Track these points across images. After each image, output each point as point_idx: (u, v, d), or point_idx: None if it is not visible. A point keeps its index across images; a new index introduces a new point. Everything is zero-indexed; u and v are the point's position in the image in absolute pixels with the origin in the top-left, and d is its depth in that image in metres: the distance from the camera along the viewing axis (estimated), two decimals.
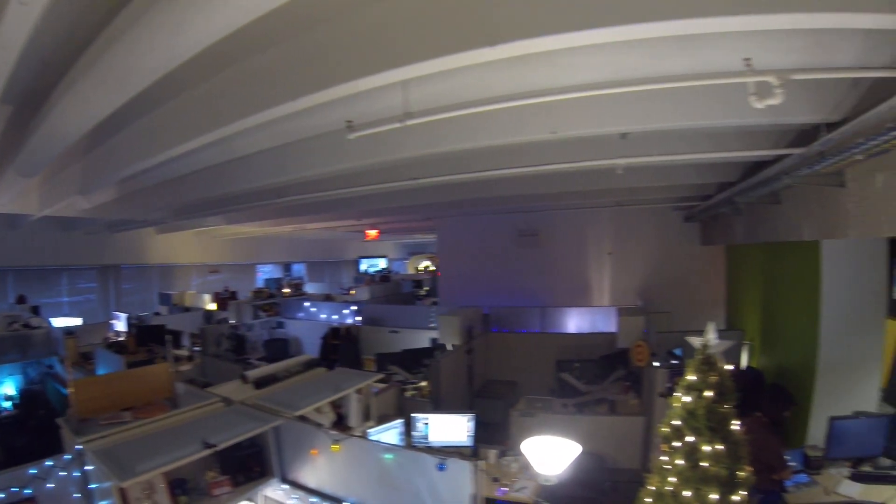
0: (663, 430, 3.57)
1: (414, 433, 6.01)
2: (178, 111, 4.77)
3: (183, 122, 4.78)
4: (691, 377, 3.45)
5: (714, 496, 3.26)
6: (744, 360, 8.96)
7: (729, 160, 6.50)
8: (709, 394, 3.35)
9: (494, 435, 6.74)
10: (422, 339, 10.02)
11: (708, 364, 3.42)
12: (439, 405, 7.08)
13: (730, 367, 3.54)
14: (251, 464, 4.20)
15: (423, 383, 7.85)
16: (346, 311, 12.69)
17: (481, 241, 12.58)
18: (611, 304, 10.31)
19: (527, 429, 5.84)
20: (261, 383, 5.08)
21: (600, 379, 7.93)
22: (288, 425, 4.24)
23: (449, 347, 8.71)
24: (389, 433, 5.68)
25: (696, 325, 9.47)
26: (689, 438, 3.37)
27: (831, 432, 5.33)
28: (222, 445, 3.68)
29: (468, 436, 5.93)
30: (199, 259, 16.90)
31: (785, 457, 5.05)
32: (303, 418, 4.43)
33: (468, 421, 5.93)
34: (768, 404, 5.35)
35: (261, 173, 6.66)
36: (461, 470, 3.37)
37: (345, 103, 4.11)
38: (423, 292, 17.43)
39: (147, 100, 4.36)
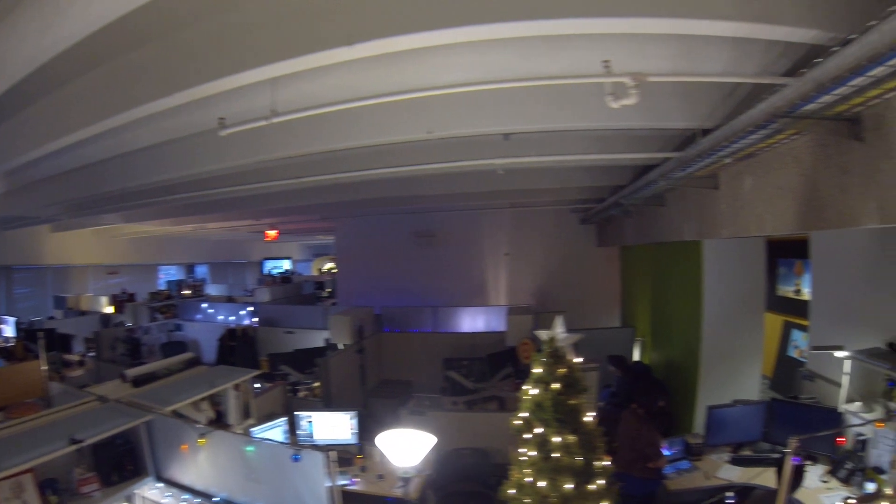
0: (515, 422, 3.64)
1: (299, 431, 5.96)
2: (60, 104, 4.59)
3: (63, 115, 4.59)
4: (538, 370, 3.51)
5: (569, 486, 3.34)
6: (636, 355, 9.42)
7: (619, 164, 6.74)
8: (556, 386, 3.43)
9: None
10: (317, 340, 9.95)
11: (555, 357, 3.50)
12: (331, 404, 7.04)
13: (579, 359, 3.65)
14: (125, 462, 4.12)
15: (317, 383, 7.78)
16: (242, 313, 12.58)
17: (379, 242, 12.61)
18: (507, 304, 10.47)
19: (417, 427, 5.87)
20: (140, 381, 5.00)
21: (489, 377, 8.06)
22: (162, 422, 4.18)
23: (341, 347, 8.73)
24: (273, 431, 5.63)
25: (593, 324, 10.05)
26: (539, 430, 3.44)
27: (709, 420, 5.67)
28: (89, 441, 3.62)
29: (352, 433, 5.91)
30: (97, 259, 15.85)
31: (660, 446, 5.30)
32: (179, 415, 4.40)
33: (351, 419, 5.91)
34: (643, 396, 5.60)
35: (147, 170, 6.45)
36: (314, 460, 3.41)
37: (223, 101, 4.10)
38: (325, 293, 17.33)
39: (25, 92, 4.22)
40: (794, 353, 8.72)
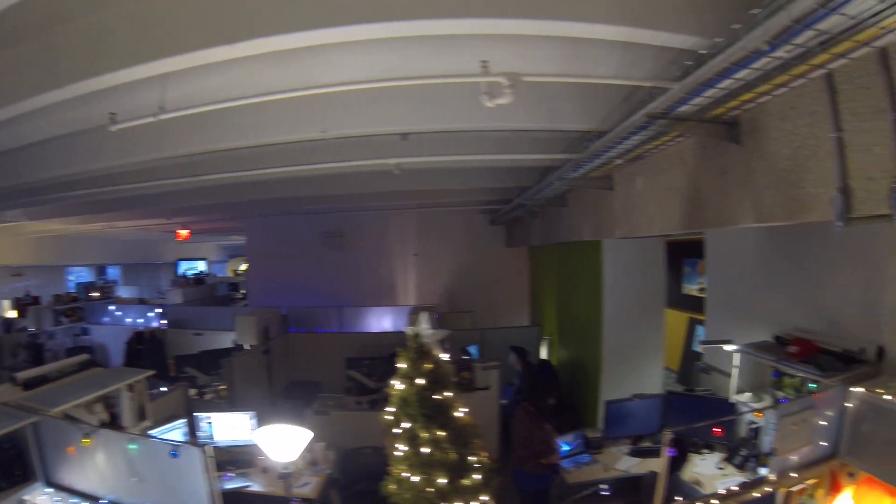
0: (386, 417, 3.65)
1: (198, 433, 5.78)
2: None
3: None
4: (404, 366, 3.52)
5: (442, 480, 3.36)
6: (543, 353, 9.62)
7: (523, 165, 6.84)
8: (421, 382, 3.44)
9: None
10: (226, 341, 9.68)
11: (420, 353, 3.51)
12: (236, 406, 6.82)
13: (445, 355, 3.68)
14: (14, 468, 4.01)
15: (223, 385, 7.59)
16: (151, 315, 12.16)
17: (289, 243, 12.40)
18: (416, 304, 10.49)
19: (321, 427, 5.81)
20: (31, 384, 4.78)
21: (390, 375, 7.99)
22: (49, 424, 4.05)
23: (247, 348, 8.56)
24: (172, 433, 5.42)
25: (503, 323, 10.21)
26: (406, 425, 3.46)
27: (608, 414, 5.85)
28: None
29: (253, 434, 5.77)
30: None
31: (553, 442, 5.37)
32: (69, 417, 4.27)
33: (251, 419, 5.76)
34: (533, 393, 5.70)
35: (42, 165, 6.10)
36: (192, 456, 3.39)
37: (115, 96, 3.94)
38: (240, 295, 16.95)
39: None
40: (698, 349, 9.13)
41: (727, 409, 5.25)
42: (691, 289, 9.82)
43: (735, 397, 5.25)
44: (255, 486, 5.23)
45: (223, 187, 7.74)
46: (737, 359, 5.24)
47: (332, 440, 5.87)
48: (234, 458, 5.54)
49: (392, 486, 3.64)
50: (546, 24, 2.95)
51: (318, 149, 5.74)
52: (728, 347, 5.29)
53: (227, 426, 5.79)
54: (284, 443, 3.91)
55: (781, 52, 2.49)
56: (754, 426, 4.97)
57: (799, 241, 4.95)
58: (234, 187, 7.89)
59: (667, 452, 3.22)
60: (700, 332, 8.85)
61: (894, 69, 2.37)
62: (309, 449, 5.20)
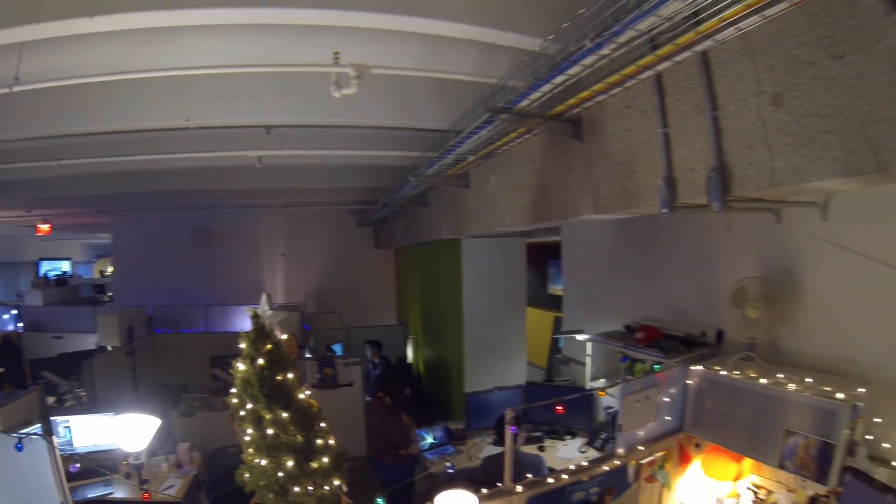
0: (231, 400, 3.59)
1: (57, 438, 5.20)
2: None
3: None
4: (245, 345, 3.51)
5: (290, 463, 3.35)
6: (409, 352, 9.76)
7: (386, 164, 7.00)
8: (261, 362, 3.42)
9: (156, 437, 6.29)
10: (89, 343, 8.92)
11: (261, 334, 3.49)
12: (98, 410, 6.29)
13: (284, 336, 3.70)
14: None
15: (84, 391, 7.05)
16: (6, 317, 10.99)
17: (157, 241, 11.74)
18: (284, 304, 10.27)
19: (187, 428, 5.76)
20: None
21: None
22: None
23: (109, 349, 8.04)
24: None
25: (370, 322, 10.21)
26: (250, 406, 3.43)
27: (468, 407, 6.03)
28: None
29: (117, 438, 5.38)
30: None
31: (410, 433, 5.45)
32: None
33: (112, 420, 5.33)
34: (389, 386, 5.76)
35: None
36: (38, 448, 3.32)
37: None
38: (107, 297, 15.74)
39: None
40: (562, 345, 9.62)
41: (583, 396, 5.52)
42: (556, 289, 10.38)
43: (590, 384, 5.58)
44: (118, 493, 4.80)
45: (87, 177, 7.37)
46: (589, 348, 5.58)
47: (201, 441, 5.65)
48: (95, 465, 5.09)
49: (246, 475, 3.52)
50: (398, 18, 3.15)
51: (183, 138, 5.62)
52: (580, 337, 5.63)
53: (88, 430, 5.33)
54: (134, 432, 3.83)
55: (607, 50, 2.66)
56: (611, 410, 5.23)
57: (646, 238, 5.35)
58: (100, 177, 7.54)
59: (510, 430, 3.43)
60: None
61: (713, 72, 2.61)
62: (174, 451, 5.16)
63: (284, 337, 3.71)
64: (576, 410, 5.49)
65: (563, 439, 5.54)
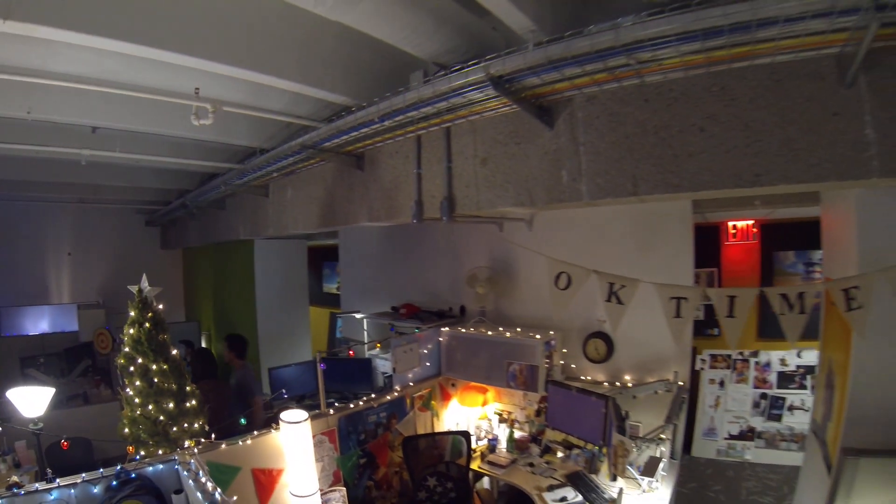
0: (120, 361, 4.35)
1: None
2: None
3: None
4: (133, 313, 4.35)
5: (170, 405, 4.27)
6: (203, 343, 10.26)
7: (188, 169, 7.37)
8: (148, 325, 4.32)
9: None
10: None
11: (144, 304, 4.38)
12: None
13: (160, 307, 4.53)
14: None
15: None
16: None
17: None
18: (75, 302, 10.04)
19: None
20: None
21: (68, 372, 8.05)
22: None
23: None
24: None
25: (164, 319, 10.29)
26: (140, 361, 4.26)
27: (271, 378, 6.99)
28: None
29: None
30: None
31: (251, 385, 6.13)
32: None
33: None
34: (201, 370, 6.21)
35: None
36: None
37: None
38: None
39: None
40: (340, 335, 10.66)
41: (365, 364, 6.84)
42: (331, 287, 11.47)
43: (368, 353, 6.98)
44: None
45: None
46: (366, 324, 7.05)
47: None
48: None
49: (126, 429, 4.27)
50: (237, 70, 3.74)
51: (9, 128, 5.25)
52: (358, 315, 7.12)
53: None
54: (32, 399, 4.39)
55: (388, 122, 4.15)
56: (387, 375, 6.41)
57: (407, 241, 6.98)
58: None
59: (320, 367, 4.60)
60: (340, 323, 10.38)
61: (452, 140, 4.21)
62: (10, 451, 5.13)
63: (161, 307, 4.50)
64: (359, 378, 6.69)
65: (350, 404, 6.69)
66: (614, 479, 4.31)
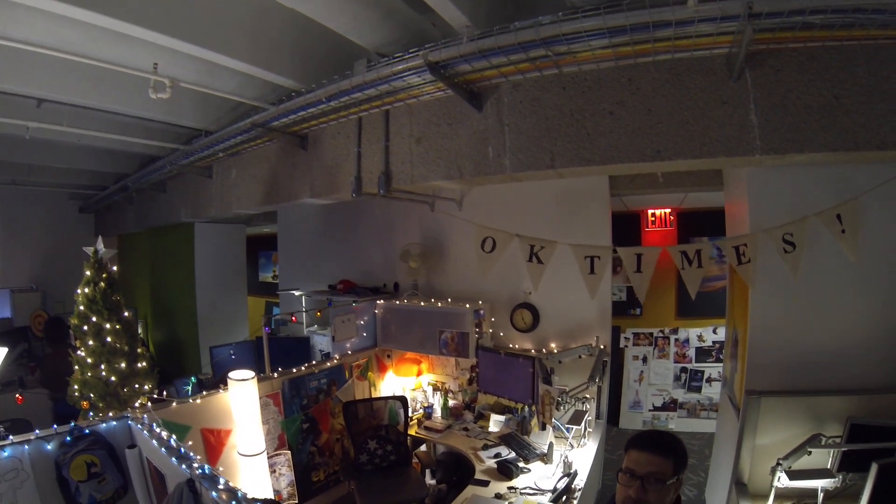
0: (73, 320, 4.50)
1: None
2: None
3: None
4: (89, 272, 4.52)
5: (122, 365, 4.46)
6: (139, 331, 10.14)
7: (128, 151, 7.31)
8: (102, 285, 4.52)
9: None
10: None
11: (100, 265, 4.58)
12: None
13: (114, 268, 4.73)
14: None
15: None
16: None
17: None
18: (3, 287, 9.66)
19: None
20: None
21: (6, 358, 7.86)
22: None
23: None
24: None
25: None
26: (94, 319, 4.44)
27: (212, 358, 7.20)
28: None
29: None
30: None
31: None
32: None
33: None
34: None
35: None
36: None
37: None
38: None
39: None
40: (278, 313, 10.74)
41: (304, 342, 7.13)
42: (267, 277, 11.66)
43: (307, 331, 7.29)
44: None
45: None
46: (304, 302, 7.36)
47: None
48: None
49: (77, 391, 4.43)
50: (201, 50, 3.90)
51: None
52: (296, 293, 7.44)
53: None
54: None
55: (334, 103, 4.49)
56: (324, 352, 6.79)
57: (343, 222, 7.31)
58: None
59: (265, 330, 4.95)
60: (276, 311, 10.46)
61: (391, 121, 4.60)
62: None
63: (115, 269, 4.70)
64: (298, 356, 6.76)
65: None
66: (543, 427, 4.69)
